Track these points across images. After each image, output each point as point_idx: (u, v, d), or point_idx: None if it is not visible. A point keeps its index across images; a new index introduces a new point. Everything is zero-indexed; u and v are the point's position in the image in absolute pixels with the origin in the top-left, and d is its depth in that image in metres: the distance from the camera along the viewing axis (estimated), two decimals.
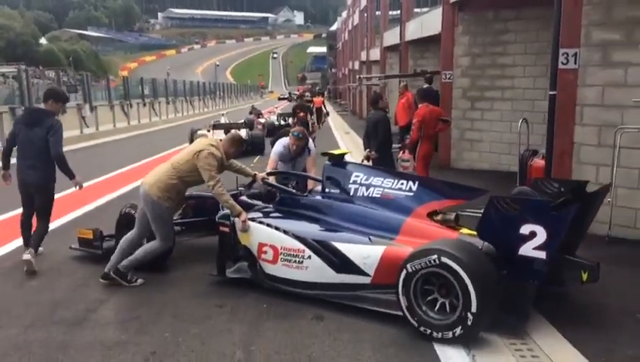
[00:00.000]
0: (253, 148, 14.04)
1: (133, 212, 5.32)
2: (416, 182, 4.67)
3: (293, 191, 5.38)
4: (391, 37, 21.29)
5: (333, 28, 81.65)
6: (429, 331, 3.75)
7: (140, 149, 16.90)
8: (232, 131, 8.88)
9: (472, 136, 11.37)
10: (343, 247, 4.34)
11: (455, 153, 11.57)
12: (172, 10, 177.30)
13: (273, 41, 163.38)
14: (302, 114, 13.97)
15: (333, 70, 75.84)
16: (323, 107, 26.73)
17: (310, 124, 13.87)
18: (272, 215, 5.01)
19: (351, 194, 4.86)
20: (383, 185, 4.73)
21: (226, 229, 4.90)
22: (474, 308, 3.53)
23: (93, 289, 4.93)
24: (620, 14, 5.85)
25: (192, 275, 5.17)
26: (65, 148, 5.77)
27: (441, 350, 3.67)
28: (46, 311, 4.45)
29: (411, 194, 4.58)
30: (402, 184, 4.67)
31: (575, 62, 6.15)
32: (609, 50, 5.95)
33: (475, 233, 4.08)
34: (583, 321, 4.03)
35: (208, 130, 15.29)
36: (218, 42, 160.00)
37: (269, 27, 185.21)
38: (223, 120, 17.07)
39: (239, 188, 5.69)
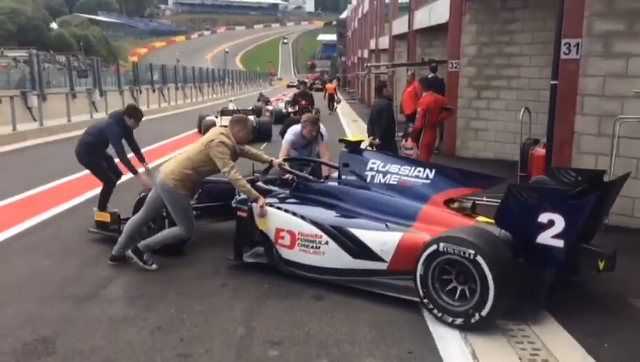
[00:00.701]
0: (260, 135, 14.15)
1: None
2: (433, 170, 4.69)
3: (310, 177, 5.40)
4: (400, 25, 21.25)
5: (344, 16, 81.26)
6: (431, 306, 3.87)
7: (148, 135, 17.01)
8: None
9: (477, 125, 11.43)
10: (360, 233, 4.39)
11: (460, 142, 11.64)
12: None
13: (283, 28, 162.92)
14: (304, 102, 14.24)
15: (342, 58, 75.64)
16: (335, 94, 27.59)
17: (314, 112, 13.80)
18: (288, 201, 5.06)
19: (367, 181, 4.88)
20: (400, 173, 4.75)
21: (244, 214, 4.97)
22: (484, 312, 3.61)
23: (102, 268, 5.10)
24: (622, 5, 5.90)
25: (198, 257, 5.33)
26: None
27: (434, 328, 3.82)
28: (57, 288, 4.63)
29: (428, 181, 4.60)
30: (419, 171, 4.69)
31: (577, 53, 6.22)
32: (611, 41, 6.00)
33: (491, 221, 4.14)
34: (576, 305, 4.12)
35: (216, 117, 15.45)
36: (228, 29, 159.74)
37: (279, 14, 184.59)
38: (231, 106, 17.20)
39: (255, 174, 5.73)
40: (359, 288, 4.33)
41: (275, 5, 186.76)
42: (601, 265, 4.00)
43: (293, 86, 61.18)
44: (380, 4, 29.88)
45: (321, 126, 6.45)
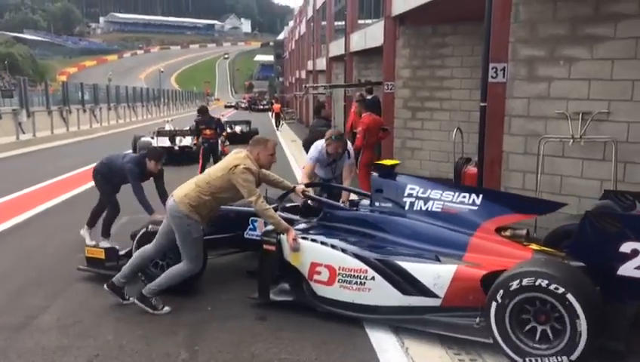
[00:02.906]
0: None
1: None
2: (480, 195, 4.38)
3: (341, 205, 5.06)
4: (336, 47, 21.67)
5: (281, 37, 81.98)
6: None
7: (78, 158, 16.46)
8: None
9: (412, 145, 11.78)
10: (410, 267, 4.01)
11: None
12: (114, 14, 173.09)
13: (220, 48, 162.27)
14: (208, 131, 10.88)
15: (280, 79, 76.10)
16: (280, 113, 29.42)
17: (220, 143, 11.63)
18: (320, 231, 4.63)
19: (406, 208, 4.54)
20: (443, 199, 4.42)
21: (272, 248, 4.49)
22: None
23: (32, 296, 4.88)
24: (544, 32, 6.29)
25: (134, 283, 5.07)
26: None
27: (377, 344, 3.89)
28: None
29: (475, 208, 4.29)
30: (464, 197, 4.37)
31: (504, 76, 6.56)
32: (534, 66, 6.38)
33: (547, 249, 4.01)
34: None
35: (152, 137, 15.13)
36: (162, 48, 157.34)
37: (215, 34, 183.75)
38: (167, 127, 16.92)
39: (269, 200, 5.15)
40: (409, 327, 4.01)
41: (212, 25, 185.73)
42: None
43: (231, 106, 60.81)
44: (317, 26, 30.38)
45: (348, 143, 6.05)
